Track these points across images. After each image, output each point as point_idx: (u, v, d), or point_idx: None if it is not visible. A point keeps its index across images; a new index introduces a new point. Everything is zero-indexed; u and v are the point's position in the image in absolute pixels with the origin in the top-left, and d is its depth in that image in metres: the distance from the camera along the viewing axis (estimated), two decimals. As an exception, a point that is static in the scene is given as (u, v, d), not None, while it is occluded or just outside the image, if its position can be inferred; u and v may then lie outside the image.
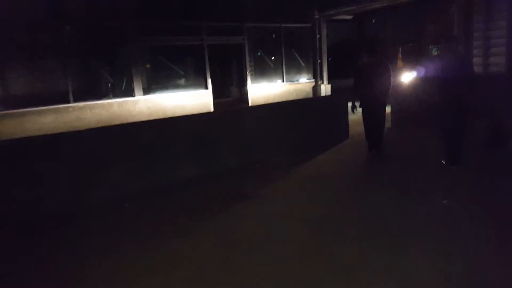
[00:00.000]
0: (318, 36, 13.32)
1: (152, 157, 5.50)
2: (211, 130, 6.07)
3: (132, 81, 10.25)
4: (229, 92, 15.44)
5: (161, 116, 10.65)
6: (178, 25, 10.71)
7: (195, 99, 11.12)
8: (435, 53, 19.01)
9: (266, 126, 6.65)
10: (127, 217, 4.62)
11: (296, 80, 13.39)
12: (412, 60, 17.58)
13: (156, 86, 10.92)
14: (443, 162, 5.74)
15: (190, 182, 5.64)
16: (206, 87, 11.31)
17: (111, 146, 5.20)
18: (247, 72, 12.04)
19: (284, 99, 12.87)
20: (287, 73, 13.10)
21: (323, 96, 8.26)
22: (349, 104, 7.15)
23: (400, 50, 19.55)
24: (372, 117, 6.58)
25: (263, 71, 12.85)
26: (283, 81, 12.96)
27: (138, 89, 10.34)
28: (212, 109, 11.40)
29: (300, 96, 13.16)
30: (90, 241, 3.97)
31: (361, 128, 8.15)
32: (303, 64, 13.55)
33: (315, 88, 13.63)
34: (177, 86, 11.16)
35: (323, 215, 4.25)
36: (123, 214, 4.71)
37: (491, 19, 9.36)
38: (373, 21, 20.70)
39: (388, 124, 8.85)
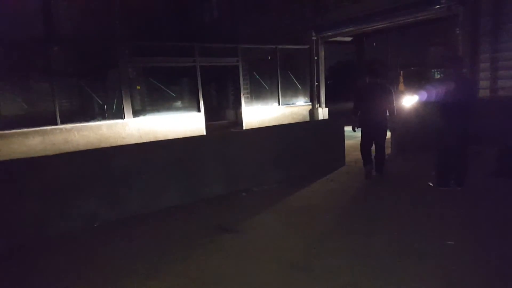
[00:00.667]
0: (315, 58, 12.99)
1: (127, 185, 4.99)
2: (195, 155, 5.57)
3: (122, 103, 9.85)
4: (225, 114, 15.06)
5: (152, 139, 10.21)
6: (171, 46, 10.41)
7: (187, 122, 10.69)
8: (437, 76, 18.66)
9: (256, 152, 6.15)
10: (89, 250, 4.07)
11: (293, 103, 12.97)
12: (414, 84, 17.24)
13: (147, 109, 10.53)
14: (431, 184, 5.72)
15: (170, 212, 5.11)
16: (199, 110, 10.89)
17: (82, 172, 4.70)
18: (242, 94, 11.64)
19: (279, 122, 12.44)
20: (283, 95, 12.70)
21: (319, 120, 7.81)
22: (349, 127, 6.90)
23: (401, 73, 19.28)
24: (371, 141, 6.43)
25: (259, 93, 12.47)
26: (279, 104, 12.55)
27: (128, 111, 9.93)
28: (204, 133, 10.95)
29: (296, 119, 12.72)
30: (37, 281, 3.42)
31: (358, 154, 7.65)
32: (299, 87, 13.16)
33: (312, 112, 13.20)
34: (169, 109, 10.76)
35: (302, 257, 3.68)
36: (85, 247, 4.17)
37: (499, 41, 8.97)
38: (374, 44, 20.55)
39: (388, 150, 8.35)
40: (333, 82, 22.20)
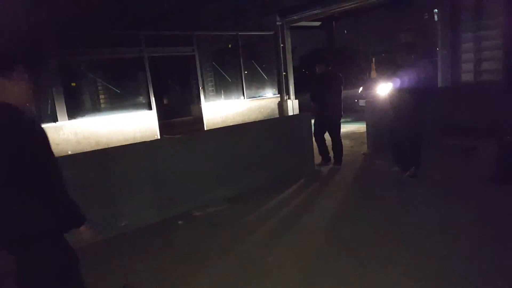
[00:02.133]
0: (282, 45, 11.51)
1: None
2: (113, 173, 4.04)
3: (54, 104, 8.15)
4: (190, 110, 13.44)
5: (93, 144, 8.56)
6: (111, 35, 8.71)
7: (137, 122, 9.06)
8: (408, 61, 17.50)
9: (199, 162, 4.67)
10: None
11: (260, 96, 11.49)
12: (386, 71, 16.07)
13: (86, 109, 8.85)
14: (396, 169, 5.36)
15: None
16: (150, 107, 9.27)
17: None
18: (200, 88, 10.08)
19: (245, 117, 10.97)
20: (248, 88, 11.20)
21: (281, 117, 6.40)
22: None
23: (373, 60, 18.14)
24: (322, 130, 6.23)
25: (222, 86, 10.95)
26: (244, 97, 11.04)
27: (61, 113, 8.22)
28: (158, 132, 9.37)
29: (264, 113, 11.27)
30: None
31: (332, 154, 6.29)
32: (266, 78, 11.68)
33: (281, 104, 11.77)
34: (113, 108, 9.10)
35: None
36: None
37: (483, 16, 7.70)
38: (345, 31, 19.25)
39: (364, 149, 7.01)
40: (306, 72, 20.87)
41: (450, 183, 4.88)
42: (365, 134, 7.04)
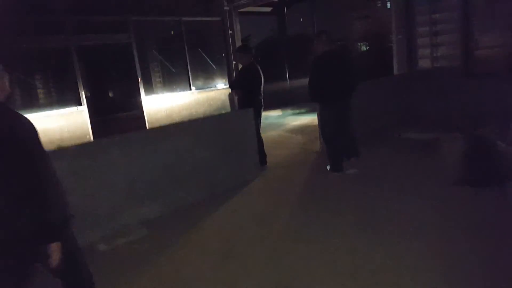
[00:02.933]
0: (230, 32, 10.50)
1: None
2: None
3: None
4: (137, 104, 12.15)
5: (11, 148, 7.24)
6: (29, 21, 7.32)
7: (64, 120, 7.80)
8: (363, 49, 17.14)
9: (110, 177, 3.66)
10: None
11: (208, 87, 10.46)
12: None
13: (19, 104, 7.48)
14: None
15: None
16: (80, 103, 8.03)
17: None
18: (139, 79, 8.91)
19: (193, 111, 9.93)
20: (195, 78, 10.14)
21: (217, 115, 5.46)
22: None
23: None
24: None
25: (164, 77, 9.81)
26: (190, 89, 9.98)
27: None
28: (90, 131, 8.16)
29: (214, 106, 10.28)
30: None
31: (280, 153, 5.50)
32: (215, 67, 10.65)
33: (232, 95, 10.79)
34: (35, 105, 7.76)
35: None
36: None
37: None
38: (301, 19, 18.47)
39: (316, 145, 6.24)
40: (261, 62, 19.87)
41: (402, 184, 4.20)
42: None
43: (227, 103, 10.87)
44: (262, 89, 5.36)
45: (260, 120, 5.45)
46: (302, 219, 3.65)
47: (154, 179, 3.94)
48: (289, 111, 11.11)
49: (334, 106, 4.58)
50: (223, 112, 10.77)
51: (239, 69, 5.37)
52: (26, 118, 1.63)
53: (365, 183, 4.41)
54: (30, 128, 1.62)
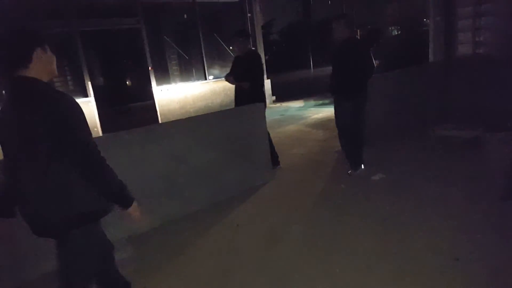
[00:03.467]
0: (249, 15, 9.69)
1: None
2: None
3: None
4: (147, 94, 11.61)
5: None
6: (33, 6, 6.78)
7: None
8: (395, 34, 16.00)
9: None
10: None
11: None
12: (372, 45, 14.49)
13: None
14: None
15: None
16: (86, 94, 7.51)
17: None
18: (149, 68, 8.29)
19: (209, 102, 9.24)
20: (211, 67, 9.43)
21: (224, 111, 4.68)
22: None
23: (359, 33, 16.46)
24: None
25: (177, 66, 9.17)
26: (205, 78, 9.28)
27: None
28: (98, 124, 7.65)
29: (231, 96, 9.45)
30: None
31: (297, 152, 4.76)
32: (232, 54, 9.89)
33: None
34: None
35: None
36: None
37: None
38: (329, 1, 17.30)
39: (337, 143, 5.42)
40: (285, 48, 18.90)
41: (436, 195, 3.37)
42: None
43: (245, 92, 10.14)
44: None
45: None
46: (318, 242, 2.91)
47: (143, 187, 3.29)
48: (311, 102, 10.25)
49: (348, 100, 3.99)
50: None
51: (236, 56, 4.65)
52: (72, 98, 1.55)
53: (392, 192, 3.60)
54: (77, 108, 1.54)
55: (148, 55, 8.24)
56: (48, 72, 1.61)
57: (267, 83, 10.21)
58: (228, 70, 4.84)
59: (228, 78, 4.64)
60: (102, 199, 1.63)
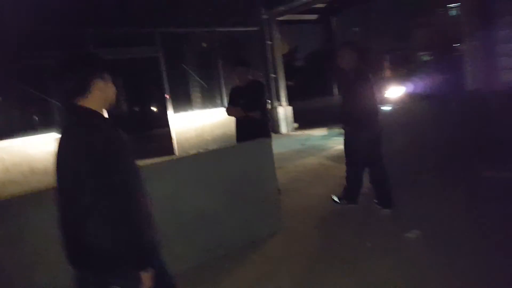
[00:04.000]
0: (269, 43, 9.33)
1: None
2: None
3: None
4: (163, 121, 11.40)
5: (26, 173, 6.60)
6: (46, 33, 6.67)
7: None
8: (425, 59, 15.32)
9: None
10: None
11: (245, 103, 9.32)
12: (401, 70, 13.83)
13: (16, 127, 6.90)
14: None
15: None
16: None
17: None
18: (166, 96, 7.99)
19: (226, 129, 8.74)
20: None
21: (226, 148, 4.15)
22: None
23: (388, 58, 15.84)
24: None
25: (195, 93, 8.85)
26: (223, 106, 8.90)
27: (-20, 134, 6.31)
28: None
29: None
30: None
31: (315, 192, 4.16)
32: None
33: (271, 112, 9.59)
34: (50, 124, 7.08)
35: None
36: None
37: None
38: (355, 29, 16.86)
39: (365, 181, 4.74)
40: (309, 75, 18.44)
41: (491, 264, 2.62)
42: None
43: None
44: None
45: None
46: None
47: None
48: (336, 131, 9.55)
49: (349, 132, 3.97)
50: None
51: (235, 87, 4.29)
52: (119, 135, 1.46)
53: (435, 259, 2.88)
54: (117, 149, 1.44)
55: (165, 83, 7.96)
56: (107, 101, 1.56)
57: (289, 109, 9.71)
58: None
59: (233, 110, 4.19)
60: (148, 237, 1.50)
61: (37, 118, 7.02)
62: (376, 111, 3.77)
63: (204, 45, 8.75)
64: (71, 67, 1.49)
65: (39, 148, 6.64)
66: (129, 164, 1.48)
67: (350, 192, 4.11)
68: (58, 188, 1.51)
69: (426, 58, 15.00)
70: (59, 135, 1.52)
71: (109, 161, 1.39)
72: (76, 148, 1.42)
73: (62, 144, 1.49)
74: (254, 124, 4.01)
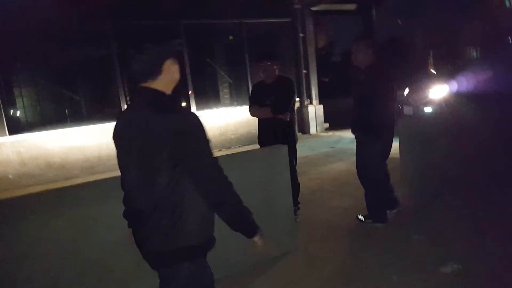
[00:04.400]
0: (301, 35, 8.66)
1: None
2: None
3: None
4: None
5: (42, 166, 6.47)
6: (69, 28, 6.45)
7: (103, 136, 6.81)
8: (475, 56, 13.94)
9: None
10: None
11: (273, 100, 8.74)
12: (447, 66, 12.67)
13: (33, 121, 6.78)
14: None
15: None
16: (120, 118, 6.98)
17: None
18: (189, 92, 7.59)
19: (252, 128, 8.24)
20: (257, 91, 8.50)
21: (234, 154, 3.61)
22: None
23: (431, 54, 14.66)
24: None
25: (220, 90, 8.40)
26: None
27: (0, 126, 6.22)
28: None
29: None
30: None
31: (339, 205, 3.57)
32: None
33: (300, 111, 8.95)
34: (72, 119, 6.90)
35: None
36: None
37: None
38: (399, 21, 15.67)
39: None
40: (344, 71, 17.45)
41: None
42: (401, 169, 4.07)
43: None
44: None
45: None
46: None
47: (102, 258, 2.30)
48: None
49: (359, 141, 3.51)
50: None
51: (259, 83, 3.75)
52: (196, 115, 1.45)
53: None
54: (203, 126, 1.43)
55: (189, 78, 7.56)
56: (173, 81, 1.56)
57: (320, 108, 9.01)
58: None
59: (259, 110, 3.61)
60: (210, 231, 1.55)
61: (55, 112, 6.87)
62: (388, 118, 3.31)
63: (231, 38, 8.23)
64: (148, 53, 1.46)
65: (56, 142, 6.48)
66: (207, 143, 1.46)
67: (375, 209, 3.49)
68: (126, 174, 1.51)
69: (475, 53, 13.65)
70: (121, 118, 1.50)
71: (201, 139, 1.40)
72: (154, 130, 1.37)
73: (129, 128, 1.46)
74: (280, 125, 3.49)
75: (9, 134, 6.24)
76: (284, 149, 3.19)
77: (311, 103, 8.98)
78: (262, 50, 7.25)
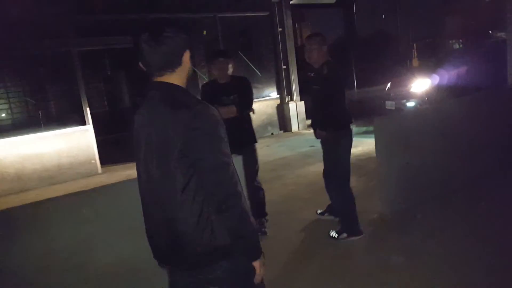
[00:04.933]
0: (280, 29, 8.15)
1: None
2: None
3: None
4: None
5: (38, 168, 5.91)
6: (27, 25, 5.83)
7: (64, 143, 6.22)
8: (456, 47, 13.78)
9: None
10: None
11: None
12: (431, 59, 12.36)
13: (29, 123, 6.21)
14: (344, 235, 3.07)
15: None
16: (84, 122, 6.39)
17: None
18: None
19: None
20: (234, 88, 7.98)
21: None
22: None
23: (415, 47, 14.52)
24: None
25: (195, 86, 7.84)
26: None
27: None
28: (96, 156, 6.50)
29: (258, 120, 7.98)
30: None
31: (311, 216, 3.06)
32: (259, 74, 8.39)
33: (281, 108, 8.47)
34: (28, 124, 6.27)
35: None
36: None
37: None
38: (385, 16, 15.29)
39: (370, 203, 3.57)
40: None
41: None
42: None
43: (275, 117, 8.55)
44: None
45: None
46: None
47: None
48: (353, 129, 8.32)
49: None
50: (269, 129, 8.49)
51: (211, 82, 3.52)
52: (214, 109, 1.33)
53: None
54: (220, 122, 1.34)
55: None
56: (189, 73, 1.44)
57: (301, 105, 8.53)
58: (254, 91, 3.53)
59: (222, 108, 3.13)
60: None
61: (8, 118, 6.24)
62: (343, 115, 3.16)
63: (204, 33, 7.68)
64: (167, 44, 1.32)
65: (10, 151, 5.87)
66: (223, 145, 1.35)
67: (348, 219, 3.12)
68: (145, 171, 1.39)
69: (457, 46, 13.42)
70: (139, 114, 1.41)
71: (214, 136, 1.30)
72: (170, 124, 1.29)
73: (148, 127, 1.36)
74: (241, 126, 3.23)
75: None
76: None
77: (291, 99, 8.49)
78: (215, 48, 6.85)
